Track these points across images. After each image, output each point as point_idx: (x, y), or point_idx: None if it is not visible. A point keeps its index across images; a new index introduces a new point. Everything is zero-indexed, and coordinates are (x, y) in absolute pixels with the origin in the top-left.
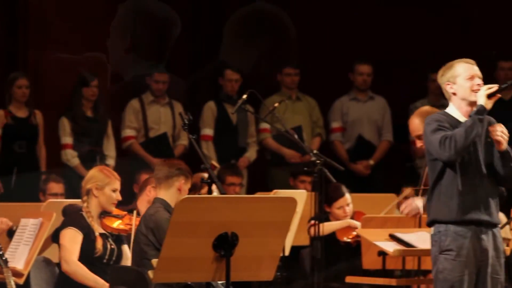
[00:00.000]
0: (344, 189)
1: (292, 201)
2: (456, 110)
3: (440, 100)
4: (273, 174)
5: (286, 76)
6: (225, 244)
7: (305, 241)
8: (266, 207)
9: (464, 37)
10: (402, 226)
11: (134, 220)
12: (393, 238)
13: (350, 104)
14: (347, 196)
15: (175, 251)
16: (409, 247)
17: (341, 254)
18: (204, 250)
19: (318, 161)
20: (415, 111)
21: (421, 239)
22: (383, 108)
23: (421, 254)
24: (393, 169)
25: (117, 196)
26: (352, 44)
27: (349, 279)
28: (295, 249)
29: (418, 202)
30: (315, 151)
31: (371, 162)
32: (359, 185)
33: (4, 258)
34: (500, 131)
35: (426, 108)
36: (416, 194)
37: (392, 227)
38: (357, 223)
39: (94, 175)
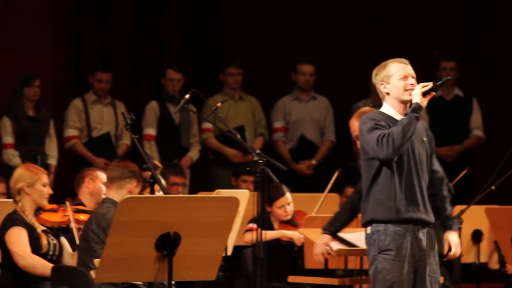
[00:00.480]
0: (284, 188)
1: (235, 201)
2: (391, 109)
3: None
4: (215, 174)
5: (229, 76)
6: (167, 244)
7: None
8: (208, 207)
9: (407, 37)
10: None
11: (70, 211)
12: (335, 237)
13: (292, 104)
14: (288, 195)
15: (117, 251)
16: (351, 246)
17: (284, 253)
18: (146, 250)
19: (260, 161)
20: (357, 111)
21: (363, 238)
22: (325, 108)
23: (363, 253)
24: (335, 169)
25: (48, 190)
26: (295, 44)
27: (292, 278)
28: (237, 248)
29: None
30: (257, 151)
31: (314, 162)
32: (302, 185)
33: None
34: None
35: (366, 109)
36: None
37: None
38: (289, 234)
39: (22, 174)
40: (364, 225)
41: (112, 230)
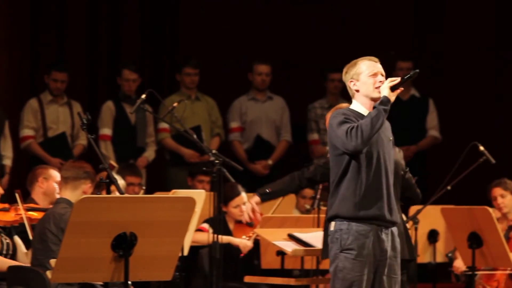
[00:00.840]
0: (240, 188)
1: (191, 201)
2: (361, 106)
3: (338, 100)
4: (172, 174)
5: (185, 76)
6: (123, 244)
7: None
8: (164, 207)
9: (363, 38)
10: (301, 226)
11: (20, 204)
12: (292, 237)
13: (248, 104)
14: (243, 195)
15: (73, 251)
16: (307, 246)
17: (240, 253)
18: (102, 250)
19: (217, 161)
20: (313, 111)
21: (319, 238)
22: (281, 108)
23: (319, 253)
24: (291, 169)
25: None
26: (251, 44)
27: (248, 278)
28: (193, 249)
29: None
30: (214, 151)
31: (270, 162)
32: (258, 185)
33: None
34: None
35: (346, 105)
36: (315, 193)
37: (291, 227)
38: (236, 241)
39: None
40: (328, 220)
41: (68, 230)
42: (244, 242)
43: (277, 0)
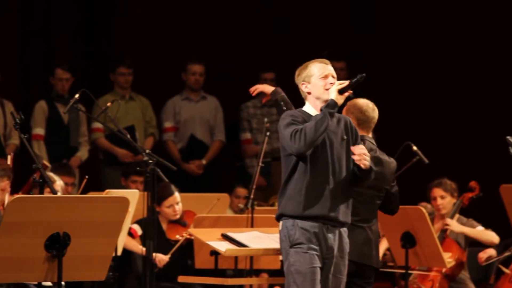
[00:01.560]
0: (173, 188)
1: (125, 201)
2: (312, 108)
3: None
4: (106, 174)
5: (119, 75)
6: (57, 244)
7: (137, 241)
8: (98, 207)
9: (295, 38)
10: (235, 225)
11: None
12: (225, 237)
13: (182, 104)
14: (176, 194)
15: (6, 251)
16: (241, 246)
17: (174, 253)
18: (36, 250)
19: (150, 161)
20: (245, 110)
21: (253, 238)
22: (215, 108)
23: (253, 253)
24: (225, 168)
25: None
26: (185, 44)
27: (182, 278)
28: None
29: None
30: (147, 151)
31: (204, 161)
32: (192, 185)
33: None
34: (360, 155)
35: (363, 100)
36: (249, 193)
37: (225, 227)
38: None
39: None
40: (276, 220)
41: (1, 231)
42: (159, 255)
43: (211, 0)
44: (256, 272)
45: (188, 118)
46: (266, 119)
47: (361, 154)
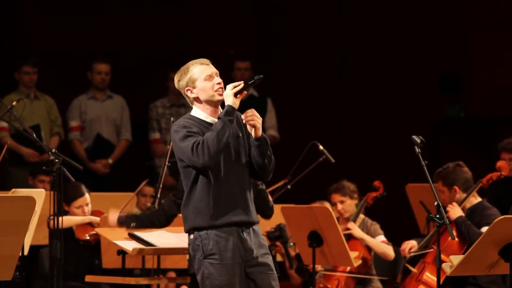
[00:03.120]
0: (83, 188)
1: (31, 200)
2: (202, 112)
3: (180, 99)
4: (11, 173)
5: (24, 74)
6: None
7: (44, 240)
8: (4, 206)
9: (202, 37)
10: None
11: None
12: (132, 237)
13: (88, 103)
14: (87, 196)
15: None
16: (148, 245)
17: (81, 253)
18: None
19: (56, 160)
20: (154, 110)
21: (160, 237)
22: (121, 107)
23: (160, 252)
24: (132, 167)
25: None
26: (91, 42)
27: (89, 278)
28: (34, 248)
29: None
30: (53, 150)
31: (110, 161)
32: (99, 184)
33: None
34: (251, 115)
35: None
36: (156, 192)
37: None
38: (97, 219)
39: None
40: (187, 232)
41: None
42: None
43: None
44: (164, 271)
45: (94, 117)
46: (172, 119)
47: (252, 115)
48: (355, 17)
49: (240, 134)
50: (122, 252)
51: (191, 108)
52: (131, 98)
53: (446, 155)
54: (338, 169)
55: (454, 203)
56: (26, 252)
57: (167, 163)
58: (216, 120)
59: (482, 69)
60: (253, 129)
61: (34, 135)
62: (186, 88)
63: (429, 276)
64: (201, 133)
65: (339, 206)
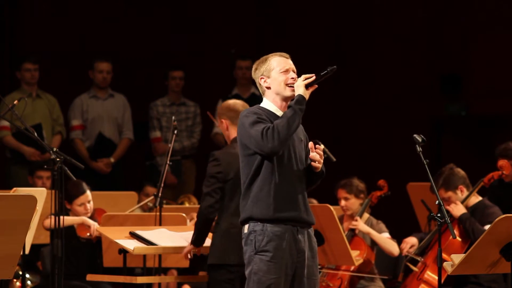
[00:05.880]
0: (85, 186)
1: (32, 199)
2: (271, 104)
3: (180, 98)
4: (13, 172)
5: (25, 71)
6: None
7: (45, 239)
8: (5, 205)
9: (202, 36)
10: (143, 224)
11: None
12: (134, 236)
13: (90, 102)
14: (88, 193)
15: None
16: (149, 244)
17: (82, 251)
18: None
19: (58, 159)
20: (154, 109)
21: (161, 236)
22: (123, 106)
23: (161, 251)
24: (134, 166)
25: None
26: (92, 41)
27: (90, 277)
28: (35, 247)
29: None
30: (55, 149)
31: (112, 160)
32: (101, 183)
33: None
34: (318, 155)
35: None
36: (158, 191)
37: (133, 225)
38: (90, 222)
39: None
40: (242, 223)
41: None
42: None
43: None
44: (165, 270)
45: (96, 116)
46: (174, 118)
47: (320, 157)
48: (355, 17)
49: (302, 139)
50: (123, 251)
51: (191, 107)
52: (133, 97)
53: (447, 154)
54: (339, 168)
55: (457, 201)
56: (27, 251)
57: (168, 161)
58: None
59: (482, 69)
60: (315, 162)
61: (36, 134)
62: (260, 77)
63: (430, 275)
64: (269, 123)
65: (343, 203)
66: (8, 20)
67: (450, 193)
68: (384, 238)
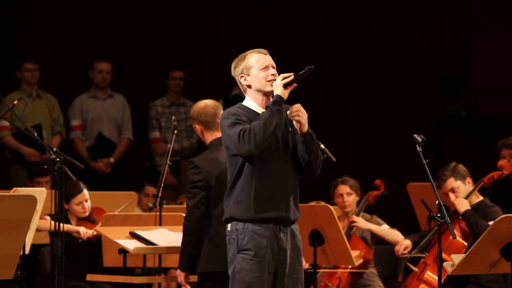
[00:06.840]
0: (82, 185)
1: (32, 199)
2: (253, 102)
3: (180, 98)
4: (12, 172)
5: (25, 71)
6: None
7: (45, 239)
8: (5, 205)
9: (202, 36)
10: (143, 224)
11: None
12: (134, 235)
13: (89, 102)
14: (85, 192)
15: None
16: (149, 244)
17: (82, 251)
18: None
19: (58, 159)
20: (154, 109)
21: (161, 236)
22: (122, 106)
23: (161, 251)
24: (133, 167)
25: None
26: (92, 41)
27: (90, 277)
28: (35, 247)
29: None
30: (55, 149)
31: (112, 160)
32: (100, 183)
33: None
34: (297, 111)
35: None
36: (158, 191)
37: (133, 225)
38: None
39: None
40: (225, 222)
41: None
42: (83, 229)
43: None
44: (165, 270)
45: (96, 116)
46: (173, 118)
47: (298, 110)
48: (355, 17)
49: (290, 129)
50: (123, 251)
51: (190, 108)
52: (132, 97)
53: (447, 154)
54: (339, 168)
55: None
56: (27, 251)
57: (168, 162)
58: None
59: (482, 69)
60: (299, 124)
61: (36, 134)
62: (240, 75)
63: (430, 275)
64: (250, 123)
65: (345, 198)
66: (8, 20)
67: (459, 183)
68: (386, 230)
